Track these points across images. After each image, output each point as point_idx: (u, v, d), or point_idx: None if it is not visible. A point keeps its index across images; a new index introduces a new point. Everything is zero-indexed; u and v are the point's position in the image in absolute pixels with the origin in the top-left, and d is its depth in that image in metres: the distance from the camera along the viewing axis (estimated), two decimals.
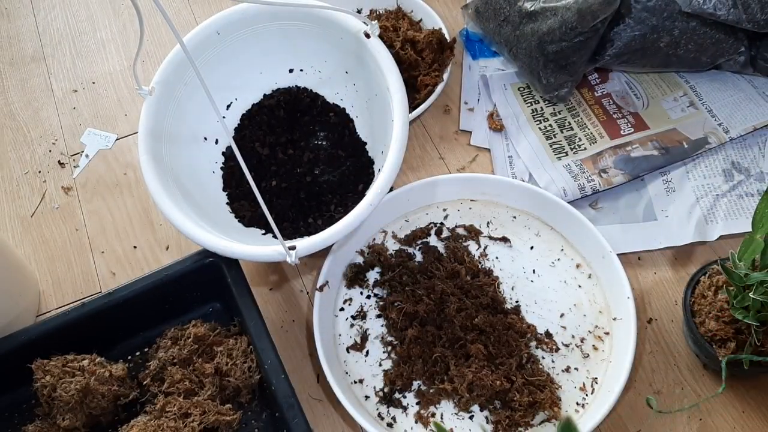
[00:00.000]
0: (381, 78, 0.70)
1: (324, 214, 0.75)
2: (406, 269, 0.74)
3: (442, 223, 0.78)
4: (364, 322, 0.73)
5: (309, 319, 0.75)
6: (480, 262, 0.75)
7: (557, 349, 0.70)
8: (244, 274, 0.69)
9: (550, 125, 0.85)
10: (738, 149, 0.81)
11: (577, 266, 0.74)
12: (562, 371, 0.68)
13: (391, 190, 0.75)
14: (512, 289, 0.73)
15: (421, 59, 0.85)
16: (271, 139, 0.80)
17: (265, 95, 0.82)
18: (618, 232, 0.77)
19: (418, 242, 0.77)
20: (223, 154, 0.80)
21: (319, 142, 0.81)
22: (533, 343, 0.70)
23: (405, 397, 0.68)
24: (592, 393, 0.67)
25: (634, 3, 0.77)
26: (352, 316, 0.73)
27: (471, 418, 0.66)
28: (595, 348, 0.69)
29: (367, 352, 0.71)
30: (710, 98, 0.84)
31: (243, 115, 0.82)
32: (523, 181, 0.79)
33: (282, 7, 0.73)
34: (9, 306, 0.70)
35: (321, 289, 0.71)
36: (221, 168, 0.79)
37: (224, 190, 0.78)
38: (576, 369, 0.68)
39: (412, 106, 0.84)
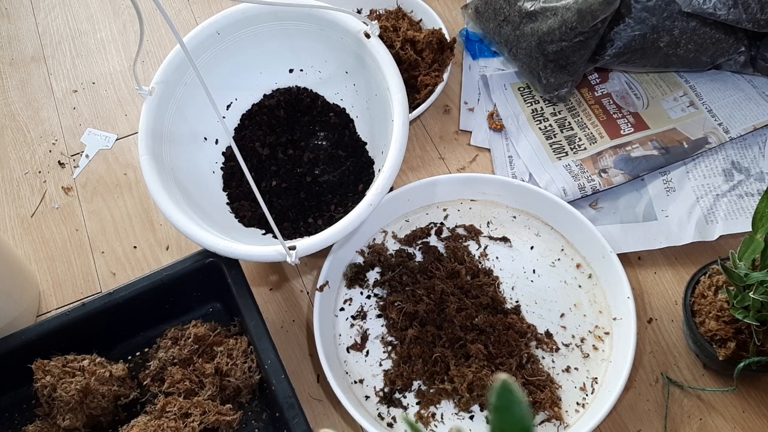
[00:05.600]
0: (381, 78, 0.70)
1: (324, 214, 0.76)
2: (406, 269, 0.74)
3: (442, 223, 0.79)
4: (364, 322, 0.73)
5: (309, 319, 0.75)
6: (480, 262, 0.75)
7: (557, 349, 0.70)
8: (244, 274, 0.69)
9: (550, 125, 0.85)
10: (738, 149, 0.81)
11: (577, 266, 0.74)
12: (562, 371, 0.68)
13: (391, 190, 0.75)
14: (512, 289, 0.74)
15: (421, 59, 0.85)
16: (271, 139, 0.81)
17: (265, 95, 0.82)
18: (618, 232, 0.77)
19: (418, 242, 0.77)
20: (223, 154, 0.80)
21: (319, 142, 0.81)
22: (533, 343, 0.70)
23: (405, 397, 0.68)
24: (592, 393, 0.67)
25: (634, 3, 0.77)
26: (352, 316, 0.73)
27: (471, 418, 0.66)
28: (595, 348, 0.69)
29: (367, 352, 0.71)
30: (710, 98, 0.84)
31: (243, 115, 0.82)
32: (523, 181, 0.79)
33: (282, 7, 0.73)
34: (9, 306, 0.70)
35: (321, 289, 0.71)
36: (221, 168, 0.79)
37: (224, 190, 0.78)
38: (576, 369, 0.68)
39: (412, 106, 0.84)
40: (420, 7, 0.92)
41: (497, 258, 0.76)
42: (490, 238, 0.77)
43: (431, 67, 0.86)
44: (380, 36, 0.71)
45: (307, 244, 0.63)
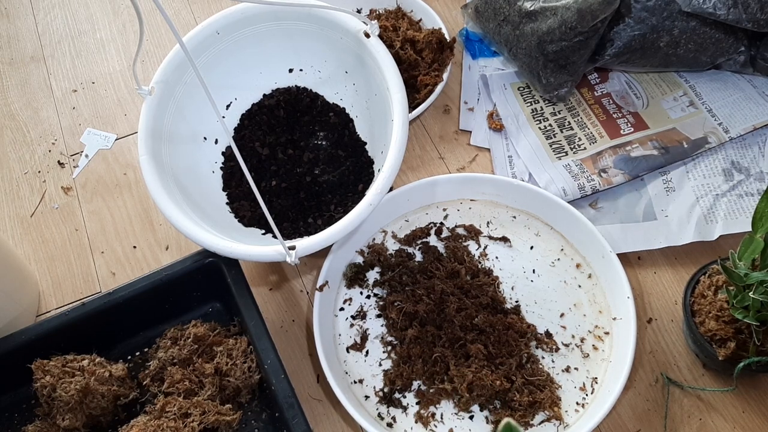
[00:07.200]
0: (381, 78, 0.70)
1: (324, 214, 0.75)
2: (406, 269, 0.74)
3: (441, 223, 0.79)
4: (364, 322, 0.73)
5: (309, 319, 0.75)
6: (480, 262, 0.75)
7: (557, 349, 0.70)
8: (244, 274, 0.69)
9: (550, 125, 0.85)
10: (738, 149, 0.81)
11: (577, 266, 0.74)
12: (562, 371, 0.68)
13: (391, 190, 0.75)
14: (512, 288, 0.74)
15: (420, 59, 0.85)
16: (270, 139, 0.81)
17: (264, 95, 0.82)
18: (618, 231, 0.77)
19: (418, 242, 0.77)
20: (223, 154, 0.80)
21: (319, 142, 0.81)
22: (533, 343, 0.70)
23: (405, 397, 0.68)
24: (592, 393, 0.67)
25: (634, 3, 0.77)
26: (352, 316, 0.73)
27: (471, 418, 0.66)
28: (595, 348, 0.69)
29: (367, 352, 0.71)
30: (710, 98, 0.84)
31: (243, 115, 0.82)
32: (523, 180, 0.79)
33: (282, 7, 0.73)
34: (9, 306, 0.70)
35: (321, 289, 0.71)
36: (221, 168, 0.79)
37: (224, 190, 0.78)
38: (576, 369, 0.68)
39: (412, 106, 0.84)
40: (420, 6, 0.92)
41: (497, 258, 0.76)
42: (490, 238, 0.77)
43: (431, 66, 0.86)
44: (380, 36, 0.71)
45: (307, 244, 0.63)
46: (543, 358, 0.69)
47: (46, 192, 0.88)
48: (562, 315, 0.71)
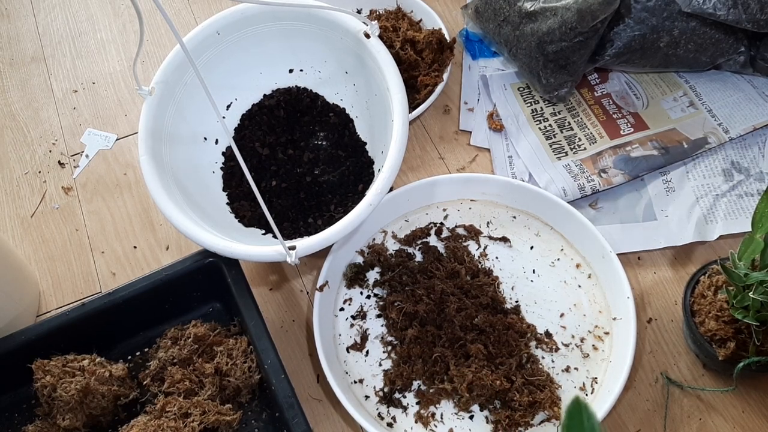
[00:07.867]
0: (381, 78, 0.70)
1: (324, 214, 0.76)
2: (406, 269, 0.74)
3: (441, 223, 0.79)
4: (364, 322, 0.73)
5: (309, 319, 0.75)
6: (480, 262, 0.75)
7: (557, 349, 0.70)
8: (244, 274, 0.69)
9: (550, 125, 0.85)
10: (738, 149, 0.81)
11: (577, 266, 0.74)
12: (562, 371, 0.68)
13: (391, 190, 0.75)
14: (512, 288, 0.74)
15: (421, 59, 0.85)
16: (271, 139, 0.81)
17: (265, 95, 0.82)
18: (618, 232, 0.77)
19: (418, 242, 0.77)
20: (223, 154, 0.80)
21: (319, 142, 0.81)
22: (533, 343, 0.70)
23: (405, 397, 0.68)
24: (592, 393, 0.67)
25: (634, 3, 0.77)
26: (352, 316, 0.73)
27: (471, 418, 0.66)
28: (595, 348, 0.69)
29: (367, 352, 0.71)
30: (710, 98, 0.84)
31: (243, 115, 0.82)
32: (523, 181, 0.79)
33: (282, 7, 0.73)
34: (9, 306, 0.71)
35: (321, 289, 0.71)
36: (221, 168, 0.79)
37: (224, 190, 0.78)
38: (576, 369, 0.68)
39: (412, 106, 0.84)
40: (420, 7, 0.92)
41: (497, 258, 0.76)
42: (490, 238, 0.77)
43: (431, 67, 0.86)
44: (380, 36, 0.71)
45: (307, 244, 0.63)
46: (543, 358, 0.69)
47: (46, 192, 0.88)
48: (562, 315, 0.72)
